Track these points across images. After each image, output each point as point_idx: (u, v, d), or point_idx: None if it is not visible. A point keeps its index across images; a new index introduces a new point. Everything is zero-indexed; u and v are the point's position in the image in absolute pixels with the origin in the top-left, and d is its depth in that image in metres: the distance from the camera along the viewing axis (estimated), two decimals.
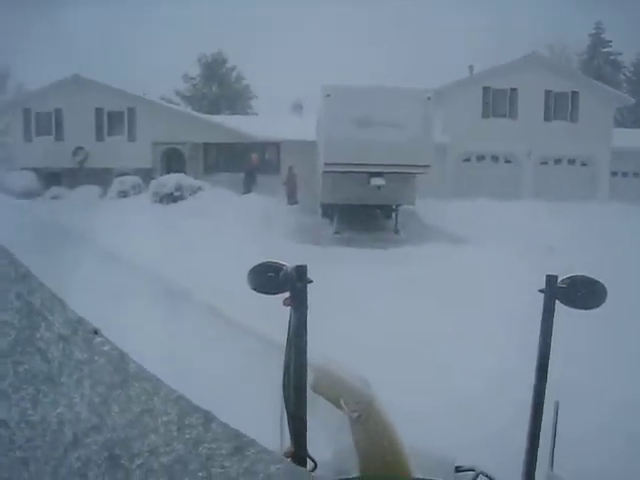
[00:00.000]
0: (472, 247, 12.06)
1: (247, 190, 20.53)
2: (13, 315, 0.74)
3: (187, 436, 0.71)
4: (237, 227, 13.23)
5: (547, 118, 23.01)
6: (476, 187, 20.37)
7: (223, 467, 0.70)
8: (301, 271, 1.44)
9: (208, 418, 0.72)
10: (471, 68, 25.12)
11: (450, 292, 8.41)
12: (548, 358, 1.63)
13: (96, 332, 0.75)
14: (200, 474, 0.69)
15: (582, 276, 1.61)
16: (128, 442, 0.70)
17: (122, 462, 0.69)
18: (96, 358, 0.74)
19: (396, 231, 15.15)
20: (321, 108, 14.34)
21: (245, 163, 22.33)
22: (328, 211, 16.38)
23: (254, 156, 22.40)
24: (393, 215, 15.79)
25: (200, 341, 6.19)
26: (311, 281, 1.45)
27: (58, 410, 0.71)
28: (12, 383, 0.72)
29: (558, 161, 23.32)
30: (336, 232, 15.06)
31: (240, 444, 0.71)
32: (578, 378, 5.14)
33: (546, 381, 1.65)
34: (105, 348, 0.74)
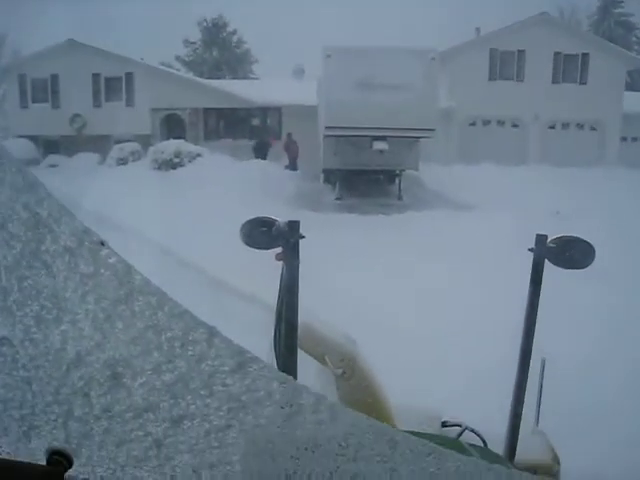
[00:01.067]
0: (476, 213, 11.72)
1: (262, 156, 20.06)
2: (20, 227, 0.70)
3: (190, 353, 0.69)
4: (235, 194, 12.91)
5: (555, 81, 22.40)
6: (481, 152, 19.93)
7: (225, 385, 0.68)
8: (293, 226, 1.43)
9: (212, 333, 0.70)
10: (478, 30, 24.39)
11: (453, 258, 8.14)
12: (535, 316, 1.63)
13: (103, 243, 0.71)
14: (202, 392, 0.68)
15: (571, 236, 1.61)
16: (131, 360, 0.69)
17: (124, 380, 0.68)
18: (102, 271, 0.70)
19: (399, 197, 14.75)
20: (322, 70, 13.80)
21: (258, 138, 21.86)
22: (330, 177, 16.00)
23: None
24: (396, 180, 15.37)
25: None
26: (303, 236, 1.44)
27: (62, 327, 0.69)
28: (16, 299, 0.70)
29: (566, 125, 22.87)
30: (338, 198, 14.68)
31: (243, 360, 0.69)
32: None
33: (532, 338, 1.65)
34: (111, 260, 0.70)
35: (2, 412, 0.72)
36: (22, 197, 0.71)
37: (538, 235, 1.60)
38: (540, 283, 1.63)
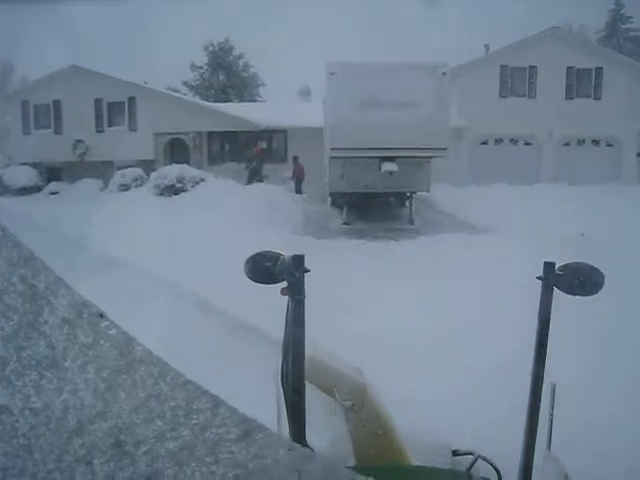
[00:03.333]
0: (494, 236, 10.98)
1: (250, 181, 19.56)
2: (16, 299, 0.71)
3: (194, 421, 0.69)
4: (239, 220, 12.34)
5: (569, 96, 21.84)
6: (494, 172, 19.34)
7: (231, 452, 0.68)
8: (298, 260, 1.43)
9: (216, 402, 0.70)
10: (487, 47, 23.95)
11: (471, 286, 7.42)
12: (546, 344, 1.62)
13: (102, 315, 0.72)
14: (207, 459, 0.68)
15: (580, 263, 1.60)
16: (134, 428, 0.68)
17: (127, 448, 0.68)
18: (102, 342, 0.71)
19: (410, 221, 13.97)
20: (326, 88, 13.13)
21: (249, 153, 21.35)
22: (337, 200, 15.30)
23: (257, 146, 21.28)
24: (407, 203, 14.64)
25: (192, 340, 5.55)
26: (308, 270, 1.43)
27: (63, 396, 0.69)
28: (15, 369, 0.70)
29: (581, 142, 22.27)
30: (345, 223, 13.93)
31: (249, 428, 0.69)
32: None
33: (544, 367, 1.64)
34: (111, 332, 0.72)
35: None
36: (18, 270, 0.73)
37: (546, 262, 1.59)
38: (550, 312, 1.62)
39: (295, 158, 20.09)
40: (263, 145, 21.38)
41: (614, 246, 8.94)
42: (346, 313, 6.40)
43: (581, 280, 1.58)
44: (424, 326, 6.23)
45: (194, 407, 0.69)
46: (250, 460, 0.68)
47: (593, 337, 5.76)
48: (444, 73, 12.51)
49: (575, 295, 1.60)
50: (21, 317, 0.71)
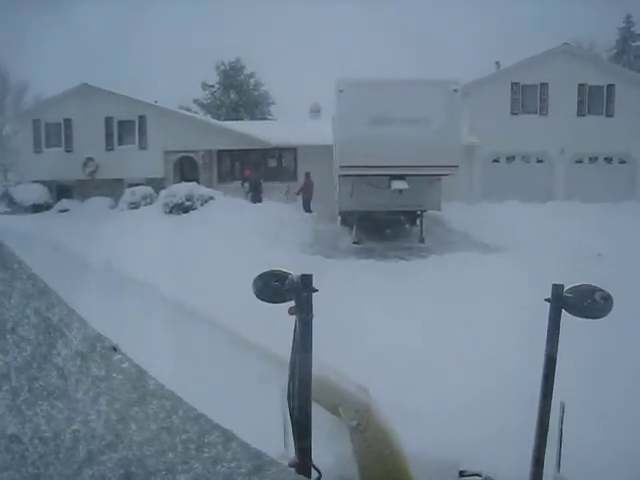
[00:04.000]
0: (507, 256, 10.72)
1: (254, 201, 19.48)
2: (30, 330, 0.72)
3: (206, 455, 0.69)
4: (247, 238, 12.19)
5: (581, 113, 21.65)
6: (506, 189, 19.14)
7: None
8: (306, 280, 1.43)
9: (228, 437, 0.70)
10: (498, 64, 23.85)
11: (487, 312, 7.16)
12: (555, 367, 1.61)
13: (115, 349, 0.72)
14: None
15: (588, 285, 1.59)
16: (145, 460, 0.68)
17: None
18: (114, 375, 0.71)
19: (421, 239, 13.73)
20: (335, 105, 13.00)
21: (244, 174, 21.42)
22: (347, 219, 15.10)
23: (248, 170, 21.40)
24: (417, 222, 14.42)
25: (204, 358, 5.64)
26: (316, 290, 1.44)
27: (73, 427, 0.69)
28: (26, 399, 0.70)
29: (594, 159, 22.00)
30: (355, 242, 13.70)
31: (260, 463, 0.69)
32: None
33: (552, 390, 1.63)
34: (124, 365, 0.72)
35: None
36: (33, 302, 0.74)
37: (554, 285, 1.60)
38: (558, 334, 1.62)
39: (307, 174, 19.91)
40: (253, 171, 21.30)
41: (633, 267, 8.67)
42: (355, 335, 6.19)
43: (589, 302, 1.58)
44: (435, 348, 6.03)
45: (206, 440, 0.70)
46: None
47: (612, 360, 5.54)
48: (455, 90, 12.33)
49: (583, 317, 1.60)
50: (34, 349, 0.72)
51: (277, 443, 1.49)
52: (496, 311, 7.00)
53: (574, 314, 1.59)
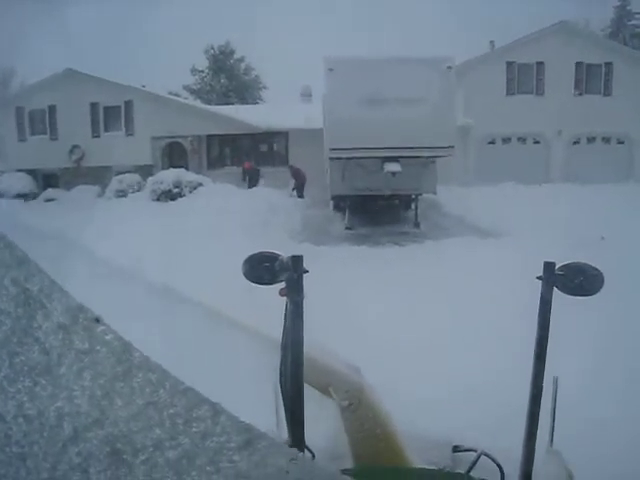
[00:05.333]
0: (506, 241, 10.29)
1: (250, 186, 19.16)
2: (9, 303, 0.72)
3: (194, 430, 0.69)
4: (236, 226, 11.75)
5: (578, 93, 21.20)
6: (502, 171, 18.79)
7: (232, 461, 0.68)
8: (297, 261, 1.43)
9: (217, 410, 0.70)
10: (492, 44, 23.32)
11: (486, 299, 6.76)
12: (546, 346, 1.64)
13: (98, 320, 0.72)
14: (208, 468, 0.68)
15: (579, 263, 1.61)
16: (131, 436, 0.68)
17: (125, 457, 0.68)
18: (98, 348, 0.71)
19: (416, 224, 13.22)
20: (325, 85, 12.44)
21: (244, 166, 20.95)
22: (339, 204, 14.63)
23: (247, 163, 20.94)
24: (412, 206, 13.94)
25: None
26: (307, 271, 1.43)
27: (57, 404, 0.69)
28: (7, 375, 0.70)
29: (591, 140, 21.61)
30: (347, 228, 13.20)
31: (251, 437, 0.69)
32: None
33: (544, 368, 1.66)
34: (108, 337, 0.72)
35: None
36: (11, 273, 0.72)
37: (546, 263, 1.57)
38: (549, 312, 1.61)
39: (291, 166, 19.59)
40: (252, 163, 20.91)
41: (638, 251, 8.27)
42: (348, 324, 5.79)
43: (581, 280, 1.59)
44: (431, 337, 5.66)
45: (194, 415, 0.68)
46: (252, 469, 0.66)
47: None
48: (449, 67, 11.79)
49: (575, 295, 1.61)
50: (14, 322, 0.70)
51: (269, 424, 1.43)
52: (496, 299, 6.61)
53: (565, 292, 1.59)
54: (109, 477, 0.67)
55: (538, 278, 1.59)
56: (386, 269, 8.37)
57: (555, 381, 1.82)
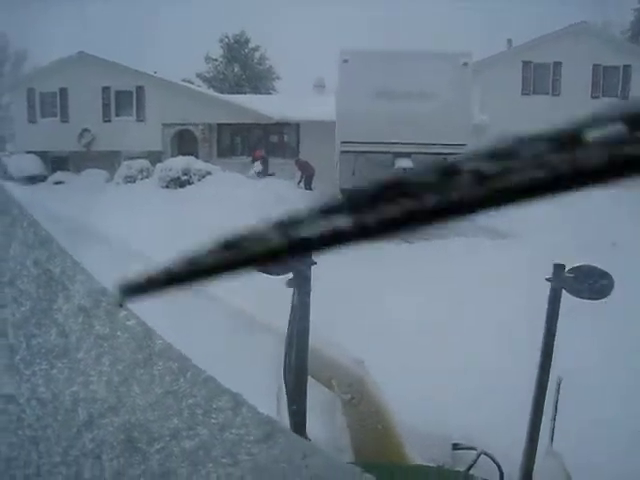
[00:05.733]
0: (516, 242, 10.15)
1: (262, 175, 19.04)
2: (30, 284, 0.70)
3: (213, 421, 0.68)
4: (242, 216, 11.60)
5: (595, 95, 20.91)
6: None
7: (250, 454, 0.67)
8: None
9: (238, 402, 0.69)
10: (509, 42, 23.06)
11: (493, 301, 6.64)
12: (553, 346, 1.62)
13: (121, 305, 0.67)
14: (224, 460, 0.67)
15: (589, 266, 1.59)
16: (148, 425, 0.67)
17: (139, 445, 0.67)
18: (119, 333, 0.69)
19: None
20: (338, 77, 12.25)
21: (255, 155, 20.74)
22: None
23: (258, 151, 20.67)
24: None
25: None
26: (315, 263, 1.41)
27: (73, 388, 0.68)
28: (24, 357, 0.69)
29: None
30: None
31: (270, 430, 0.68)
32: None
33: (550, 367, 1.63)
34: (130, 322, 0.70)
35: (4, 471, 0.68)
36: (33, 253, 0.71)
37: (556, 264, 1.60)
38: (557, 314, 1.61)
39: (297, 160, 19.47)
40: (263, 152, 20.66)
41: None
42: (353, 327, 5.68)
43: (590, 283, 1.56)
44: (439, 340, 5.55)
45: (214, 406, 0.67)
46: (270, 463, 0.65)
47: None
48: (466, 63, 11.58)
49: (583, 298, 1.58)
50: (34, 303, 0.68)
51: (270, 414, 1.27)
52: (507, 302, 6.47)
53: (574, 295, 1.57)
54: (122, 464, 0.66)
55: (547, 280, 1.60)
56: (393, 267, 8.22)
57: (558, 382, 1.81)
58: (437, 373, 4.68)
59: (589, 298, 1.61)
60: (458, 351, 5.29)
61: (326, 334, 1.75)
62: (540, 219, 11.67)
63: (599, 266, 1.64)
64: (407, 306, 6.54)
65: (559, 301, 1.61)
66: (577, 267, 1.60)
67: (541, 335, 1.72)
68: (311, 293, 1.44)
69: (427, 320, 6.12)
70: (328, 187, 16.38)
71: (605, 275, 1.60)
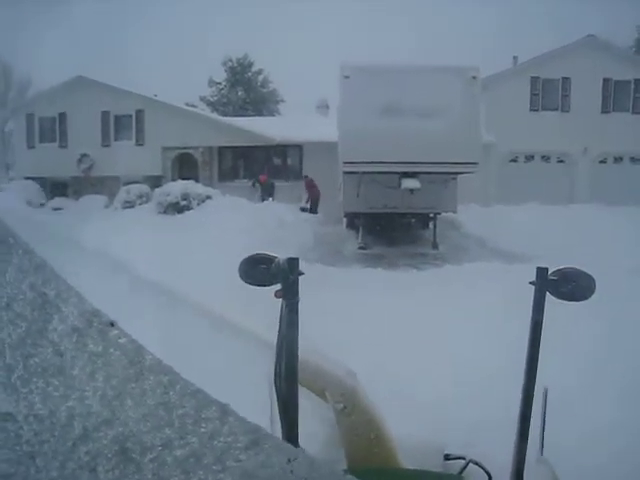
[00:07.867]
0: (534, 267, 9.44)
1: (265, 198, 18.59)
2: (25, 306, 0.73)
3: (203, 430, 0.70)
4: (242, 243, 11.00)
5: (605, 110, 20.37)
6: (525, 191, 18.02)
7: (239, 460, 0.69)
8: (293, 263, 1.44)
9: (225, 411, 0.71)
10: (515, 59, 22.61)
11: (514, 333, 5.91)
12: (538, 351, 1.65)
13: (112, 324, 0.74)
14: (215, 467, 0.68)
15: (572, 268, 1.63)
16: (141, 436, 0.69)
17: (133, 456, 0.69)
18: (111, 350, 0.72)
19: (434, 245, 12.38)
20: (340, 94, 11.66)
21: (255, 179, 20.34)
22: (353, 221, 13.84)
23: (263, 176, 20.24)
24: (430, 225, 13.08)
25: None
26: (302, 273, 1.44)
27: (69, 404, 0.70)
28: (21, 376, 0.71)
29: (619, 159, 20.80)
30: (361, 247, 12.37)
31: (257, 437, 0.70)
32: None
33: (536, 373, 1.67)
34: (121, 340, 0.73)
35: None
36: (28, 278, 0.74)
37: (539, 268, 1.62)
38: (542, 316, 1.64)
39: (305, 177, 19.05)
40: (267, 176, 20.29)
41: None
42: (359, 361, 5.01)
43: (573, 285, 1.60)
44: (456, 381, 4.90)
45: (203, 416, 0.69)
46: (258, 468, 0.67)
47: None
48: (474, 77, 10.97)
49: (567, 300, 1.62)
50: (29, 325, 0.71)
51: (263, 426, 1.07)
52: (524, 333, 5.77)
53: (557, 297, 1.60)
54: (117, 475, 0.67)
55: (531, 283, 1.60)
56: (403, 296, 7.56)
57: (545, 392, 1.83)
58: (437, 382, 4.65)
59: (571, 300, 1.62)
60: (462, 364, 5.15)
61: (317, 344, 1.72)
62: (555, 241, 11.05)
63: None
64: (424, 347, 5.92)
65: (544, 304, 1.62)
66: (560, 270, 1.61)
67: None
68: (299, 303, 1.41)
69: (447, 361, 5.49)
70: (332, 211, 15.83)
71: (587, 278, 1.62)
